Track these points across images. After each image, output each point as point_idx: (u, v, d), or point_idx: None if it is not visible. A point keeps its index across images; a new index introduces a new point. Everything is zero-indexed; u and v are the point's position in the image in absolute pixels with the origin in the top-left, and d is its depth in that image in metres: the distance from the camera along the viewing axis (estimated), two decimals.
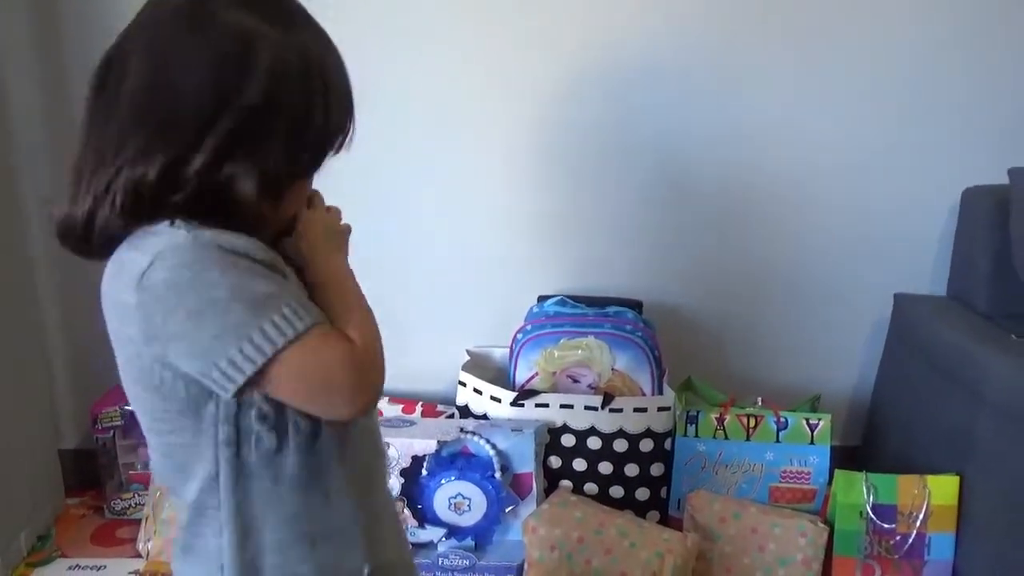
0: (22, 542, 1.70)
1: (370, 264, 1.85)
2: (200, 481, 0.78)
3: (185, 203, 0.72)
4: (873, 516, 1.60)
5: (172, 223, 0.72)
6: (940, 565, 1.60)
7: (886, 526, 1.60)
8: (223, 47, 0.72)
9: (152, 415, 0.78)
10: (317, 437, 0.78)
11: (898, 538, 1.60)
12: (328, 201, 0.90)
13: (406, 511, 1.65)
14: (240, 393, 0.71)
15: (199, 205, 0.72)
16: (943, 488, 1.59)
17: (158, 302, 0.69)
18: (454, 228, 1.89)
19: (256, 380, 0.71)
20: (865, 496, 1.60)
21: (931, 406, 1.70)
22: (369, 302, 0.83)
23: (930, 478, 1.60)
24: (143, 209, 0.72)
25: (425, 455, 1.63)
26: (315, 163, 0.80)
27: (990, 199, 1.75)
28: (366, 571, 0.83)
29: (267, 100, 0.72)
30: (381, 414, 1.83)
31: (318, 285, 0.82)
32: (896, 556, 1.60)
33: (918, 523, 1.59)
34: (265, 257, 0.74)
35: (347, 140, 0.82)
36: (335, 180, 1.95)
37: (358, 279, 0.86)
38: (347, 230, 0.91)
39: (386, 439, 1.62)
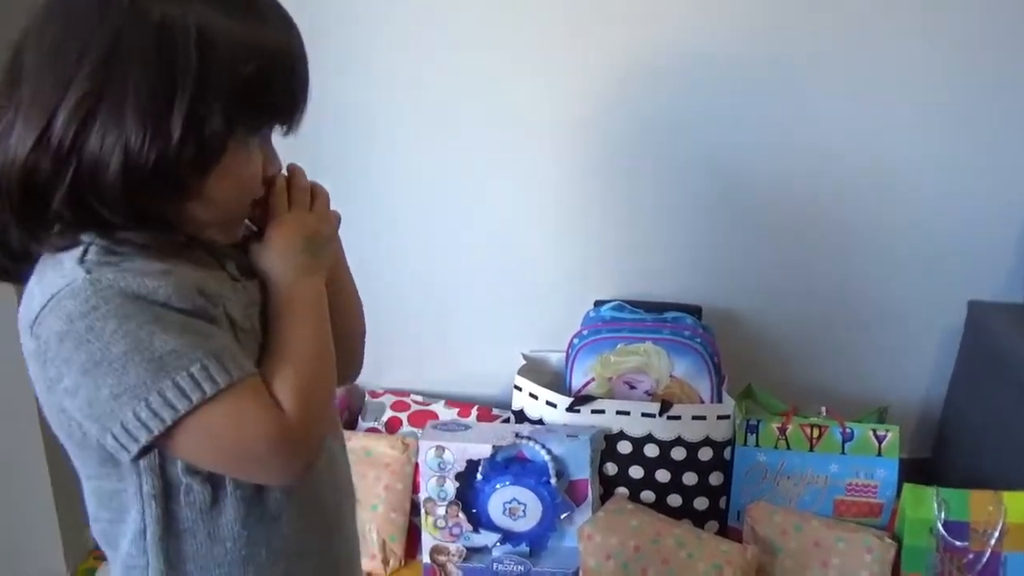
0: (88, 537, 1.74)
1: (428, 268, 1.89)
2: (130, 534, 0.70)
3: (74, 204, 0.61)
4: (944, 533, 1.53)
5: (84, 253, 0.63)
6: None
7: (958, 544, 1.53)
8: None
9: (76, 458, 0.71)
10: (263, 487, 0.71)
11: (971, 556, 1.53)
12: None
13: (461, 515, 1.64)
14: (143, 456, 0.64)
15: (96, 211, 0.62)
16: (1020, 505, 1.51)
17: (52, 353, 0.62)
18: (511, 232, 1.87)
19: (159, 446, 0.63)
20: (936, 512, 1.54)
21: (1007, 419, 1.62)
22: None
23: (1006, 494, 1.52)
24: (36, 212, 0.63)
25: (480, 459, 1.63)
26: (208, 148, 0.63)
27: None
28: None
29: (113, 57, 0.60)
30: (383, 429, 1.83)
31: (273, 314, 0.71)
32: (969, 575, 1.53)
33: (993, 541, 1.52)
34: (180, 300, 0.63)
35: (271, 119, 0.69)
36: (386, 182, 1.94)
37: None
38: (334, 227, 0.78)
39: (441, 443, 1.63)
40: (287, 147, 0.75)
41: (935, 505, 1.54)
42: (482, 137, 1.81)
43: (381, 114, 1.78)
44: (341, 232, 0.82)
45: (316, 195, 0.76)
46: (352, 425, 1.88)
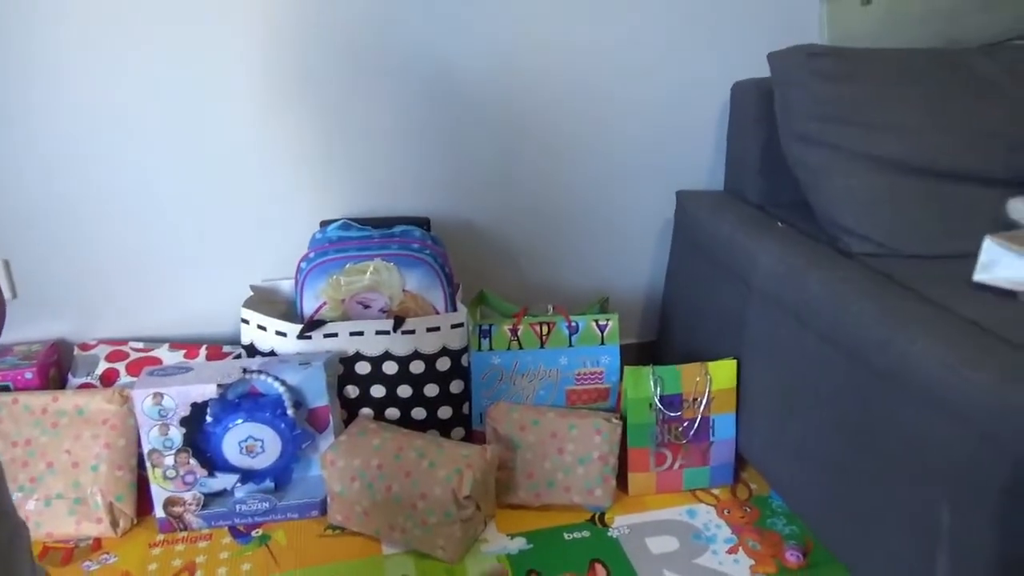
0: None
1: (136, 204, 1.71)
2: None
3: None
4: (661, 406, 1.66)
5: None
6: (724, 444, 1.70)
7: (673, 414, 1.67)
8: None
9: None
10: None
11: (686, 424, 1.68)
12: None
13: (192, 461, 1.55)
14: None
15: None
16: (722, 372, 1.67)
17: None
18: (225, 158, 1.73)
19: None
20: (652, 388, 1.66)
21: (711, 297, 1.77)
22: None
23: (710, 364, 1.67)
24: None
25: (207, 401, 1.53)
26: None
27: (756, 92, 1.80)
28: None
29: None
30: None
31: None
32: (685, 441, 1.68)
33: (702, 408, 1.67)
34: None
35: None
36: (100, 120, 1.71)
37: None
38: None
39: (158, 389, 1.51)
40: None
41: (651, 383, 1.66)
42: (180, 58, 1.64)
43: (56, 38, 1.56)
44: None
45: None
46: (62, 383, 1.70)
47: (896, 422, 1.23)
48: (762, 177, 1.82)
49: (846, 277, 1.42)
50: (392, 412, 1.70)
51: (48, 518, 1.53)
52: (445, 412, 1.72)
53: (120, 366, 1.69)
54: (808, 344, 1.43)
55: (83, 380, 1.68)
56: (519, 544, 1.56)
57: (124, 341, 1.75)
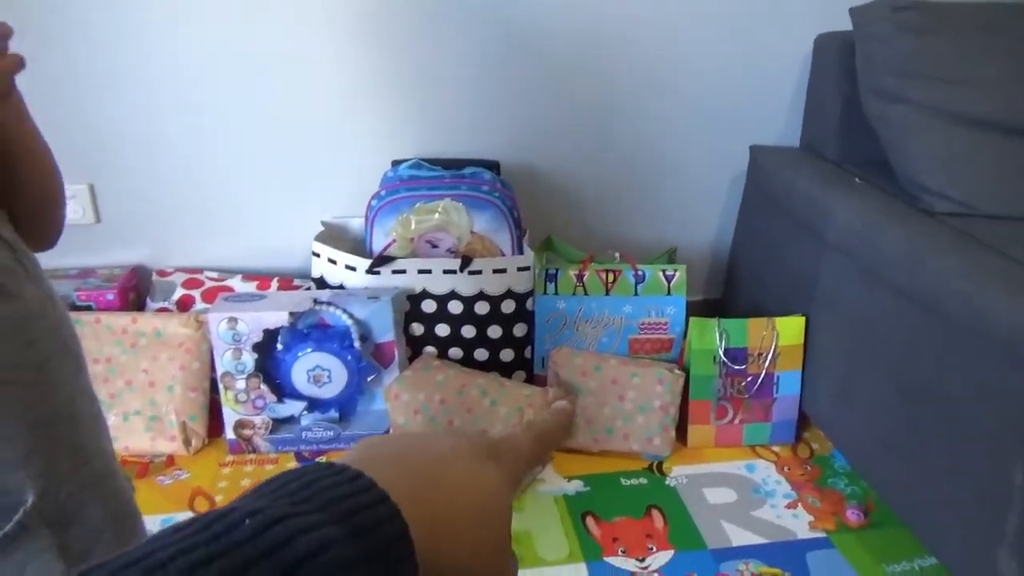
0: None
1: (214, 140, 1.75)
2: None
3: None
4: (725, 359, 1.65)
5: None
6: (788, 401, 1.68)
7: (737, 368, 1.65)
8: None
9: None
10: None
11: (749, 379, 1.66)
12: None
13: (263, 386, 1.59)
14: None
15: None
16: (790, 328, 1.65)
17: None
18: (301, 97, 1.75)
19: None
20: (717, 341, 1.65)
21: (783, 253, 1.74)
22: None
23: (778, 320, 1.65)
24: None
25: (278, 328, 1.57)
26: None
27: (839, 45, 1.75)
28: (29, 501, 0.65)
29: None
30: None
31: None
32: (747, 396, 1.67)
33: (767, 363, 1.65)
34: None
35: None
36: (160, 50, 1.77)
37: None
38: (4, 75, 0.63)
39: (233, 314, 1.55)
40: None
41: (717, 335, 1.65)
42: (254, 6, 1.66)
43: None
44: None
45: None
46: (140, 306, 1.76)
47: (971, 379, 1.20)
48: (841, 134, 1.77)
49: (926, 232, 1.38)
50: (455, 352, 1.72)
51: (125, 433, 1.59)
52: (507, 355, 1.74)
53: (196, 293, 1.74)
54: (883, 301, 1.40)
55: (160, 305, 1.73)
56: (576, 486, 1.58)
57: (199, 270, 1.81)
